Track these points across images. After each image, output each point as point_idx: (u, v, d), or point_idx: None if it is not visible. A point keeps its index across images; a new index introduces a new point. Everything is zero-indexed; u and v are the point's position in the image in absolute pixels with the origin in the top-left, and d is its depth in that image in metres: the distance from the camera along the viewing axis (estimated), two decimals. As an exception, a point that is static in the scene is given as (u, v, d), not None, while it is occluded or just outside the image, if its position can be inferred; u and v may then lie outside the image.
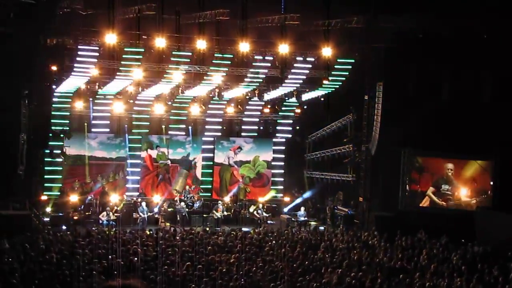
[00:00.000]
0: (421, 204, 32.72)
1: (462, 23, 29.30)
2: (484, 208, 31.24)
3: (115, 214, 31.30)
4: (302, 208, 33.55)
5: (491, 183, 32.18)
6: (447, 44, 29.99)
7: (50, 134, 29.75)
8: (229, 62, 29.46)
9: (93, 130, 34.25)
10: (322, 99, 34.60)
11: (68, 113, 33.32)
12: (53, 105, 30.79)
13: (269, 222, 33.41)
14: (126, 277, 18.44)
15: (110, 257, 20.87)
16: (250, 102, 34.85)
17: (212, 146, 36.97)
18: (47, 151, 31.44)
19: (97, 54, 27.82)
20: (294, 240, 26.22)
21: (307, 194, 36.81)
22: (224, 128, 37.03)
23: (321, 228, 31.23)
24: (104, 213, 30.93)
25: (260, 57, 29.52)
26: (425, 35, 30.36)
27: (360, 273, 20.43)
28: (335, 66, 30.63)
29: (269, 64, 29.99)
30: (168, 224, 31.71)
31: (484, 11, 28.73)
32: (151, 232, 27.00)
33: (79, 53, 27.63)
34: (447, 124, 30.22)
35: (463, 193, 32.38)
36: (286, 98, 34.12)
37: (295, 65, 30.21)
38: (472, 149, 30.94)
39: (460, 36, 29.88)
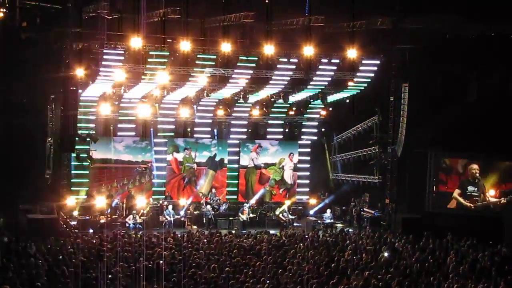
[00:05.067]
0: (448, 206, 32.50)
1: (488, 24, 29.09)
2: (512, 209, 31.01)
3: (142, 217, 31.46)
4: (328, 210, 33.49)
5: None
6: (473, 44, 29.80)
7: (77, 138, 29.90)
8: (254, 65, 29.43)
9: (119, 133, 34.40)
10: (348, 100, 34.45)
11: (94, 117, 33.48)
12: (79, 109, 30.93)
13: (295, 224, 33.41)
14: (152, 280, 18.54)
15: (137, 260, 20.94)
16: (275, 105, 34.80)
17: (237, 149, 36.94)
18: (74, 155, 31.60)
19: (122, 58, 27.91)
20: (320, 242, 26.15)
21: (332, 197, 36.67)
22: (250, 130, 36.97)
23: (348, 230, 31.09)
24: (131, 216, 31.14)
25: (285, 59, 29.44)
26: (451, 36, 30.19)
27: (387, 275, 20.32)
28: (360, 68, 30.50)
29: (294, 66, 29.91)
30: (194, 227, 31.81)
31: (510, 11, 28.49)
32: (177, 235, 27.02)
33: (105, 57, 27.74)
34: (474, 125, 29.98)
35: (491, 194, 32.11)
36: (311, 100, 34.04)
37: (320, 67, 30.10)
38: (499, 149, 30.71)
39: (487, 37, 29.67)
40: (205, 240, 25.68)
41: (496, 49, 29.82)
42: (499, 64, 30.50)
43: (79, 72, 27.29)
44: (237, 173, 36.94)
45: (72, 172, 33.13)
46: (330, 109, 35.75)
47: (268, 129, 37.18)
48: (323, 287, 18.86)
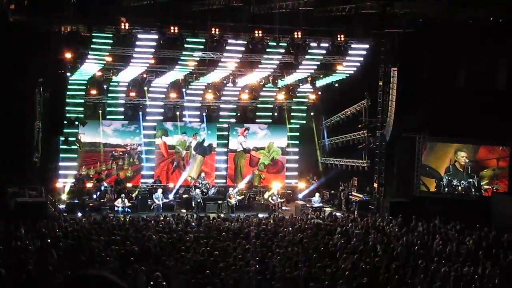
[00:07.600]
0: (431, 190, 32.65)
1: (478, 8, 29.06)
2: (500, 194, 31.12)
3: (130, 201, 31.47)
4: (317, 194, 33.55)
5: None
6: (462, 29, 29.78)
7: (65, 122, 29.85)
8: (243, 49, 29.38)
9: (107, 117, 34.31)
10: (337, 84, 34.47)
11: (82, 101, 33.37)
12: (68, 93, 30.84)
13: (284, 208, 33.49)
14: (141, 264, 18.56)
15: (125, 243, 20.97)
16: (264, 88, 34.81)
17: (226, 133, 36.94)
18: (62, 138, 31.57)
19: (111, 41, 27.79)
20: (309, 226, 26.22)
21: (321, 181, 36.72)
22: (239, 114, 36.93)
23: (336, 214, 31.18)
24: (119, 200, 31.11)
25: (274, 43, 29.40)
26: (440, 21, 30.16)
27: (375, 259, 20.42)
28: (350, 52, 30.47)
29: (283, 50, 29.86)
30: (183, 210, 31.85)
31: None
32: (166, 218, 27.05)
33: (93, 40, 27.61)
34: (463, 110, 30.00)
35: (478, 179, 32.23)
36: (301, 84, 34.06)
37: (309, 51, 30.05)
38: (487, 135, 30.80)
39: (476, 22, 29.66)
40: (194, 224, 25.72)
41: (486, 34, 29.80)
42: (488, 49, 30.50)
43: (68, 55, 27.18)
44: (226, 157, 36.94)
45: (61, 155, 33.06)
46: (319, 93, 35.86)
47: (257, 113, 37.14)
48: (311, 270, 18.93)
